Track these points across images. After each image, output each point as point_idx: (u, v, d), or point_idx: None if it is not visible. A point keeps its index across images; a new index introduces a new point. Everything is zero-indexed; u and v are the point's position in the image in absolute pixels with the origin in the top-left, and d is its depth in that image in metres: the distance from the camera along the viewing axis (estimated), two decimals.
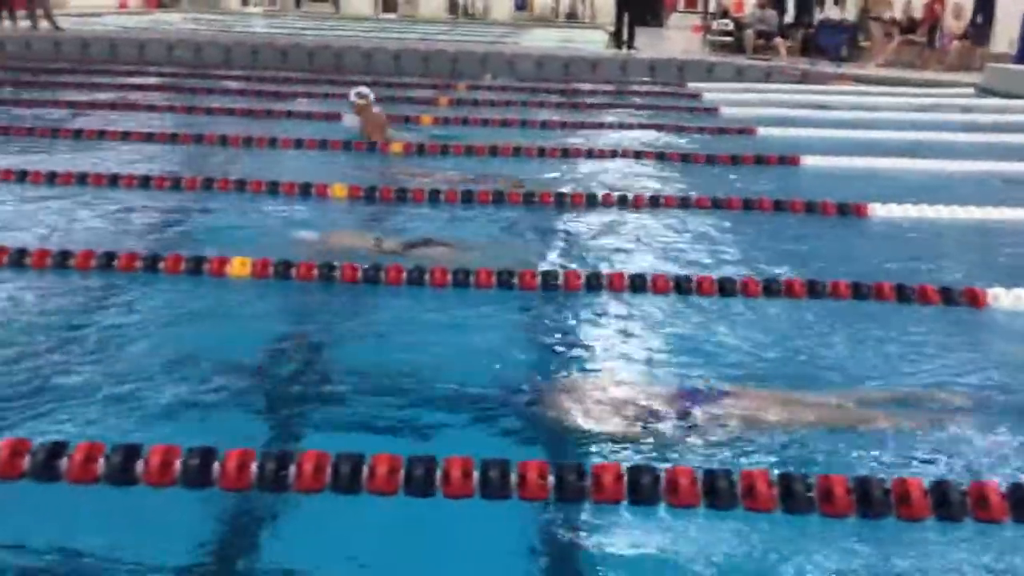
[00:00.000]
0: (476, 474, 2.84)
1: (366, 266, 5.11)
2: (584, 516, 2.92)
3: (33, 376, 3.78)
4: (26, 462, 2.87)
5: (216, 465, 2.85)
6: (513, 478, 2.85)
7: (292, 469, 2.87)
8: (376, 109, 9.10)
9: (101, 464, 2.84)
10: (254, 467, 2.87)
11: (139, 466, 2.84)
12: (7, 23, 18.08)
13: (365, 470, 2.85)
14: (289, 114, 10.71)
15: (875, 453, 3.38)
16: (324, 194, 6.99)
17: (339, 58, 16.37)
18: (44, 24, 17.81)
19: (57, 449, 2.89)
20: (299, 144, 8.78)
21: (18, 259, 5.07)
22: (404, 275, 5.05)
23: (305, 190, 7.00)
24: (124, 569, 2.70)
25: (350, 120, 9.31)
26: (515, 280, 5.07)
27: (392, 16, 35.84)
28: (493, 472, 2.83)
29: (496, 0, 37.25)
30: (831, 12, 20.09)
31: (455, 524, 2.89)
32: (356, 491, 2.83)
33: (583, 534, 2.88)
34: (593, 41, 21.25)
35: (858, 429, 3.60)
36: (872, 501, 2.85)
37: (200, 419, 3.54)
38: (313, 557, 2.77)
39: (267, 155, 8.60)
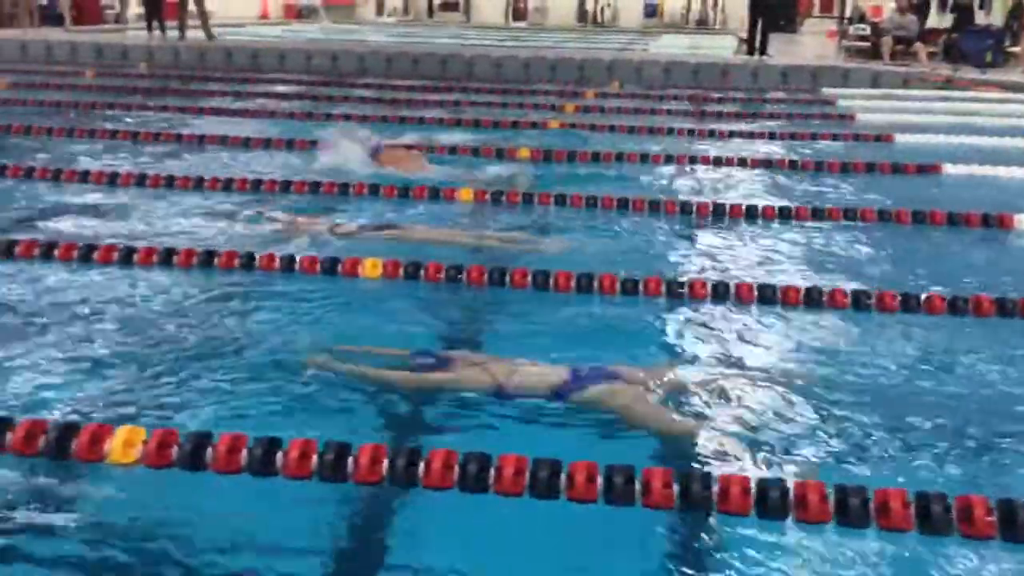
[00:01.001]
0: (600, 479, 2.86)
1: (490, 268, 5.20)
2: (708, 526, 2.90)
3: (180, 370, 3.98)
4: (174, 452, 3.02)
5: (350, 460, 2.95)
6: (637, 485, 2.85)
7: (421, 466, 2.94)
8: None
9: (244, 455, 2.98)
10: (385, 463, 2.95)
11: (278, 458, 2.96)
12: (157, 32, 19.03)
13: (492, 471, 2.90)
14: (421, 120, 10.93)
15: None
16: (452, 198, 7.13)
17: (470, 66, 16.62)
18: (193, 34, 18.66)
19: (202, 440, 3.04)
20: (430, 149, 8.97)
21: (167, 259, 5.33)
22: (529, 278, 5.11)
23: (434, 194, 7.15)
24: (261, 557, 2.82)
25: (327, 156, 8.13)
26: (640, 287, 5.07)
27: (522, 24, 36.16)
28: (618, 478, 2.84)
29: (625, 7, 37.14)
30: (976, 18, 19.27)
31: (576, 528, 2.91)
32: (483, 490, 2.88)
33: (707, 545, 2.86)
34: (724, 47, 20.94)
35: (1000, 447, 3.45)
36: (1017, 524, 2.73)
37: (335, 415, 3.66)
38: (437, 553, 2.83)
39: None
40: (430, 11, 39.17)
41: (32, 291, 4.91)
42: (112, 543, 2.83)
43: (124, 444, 3.04)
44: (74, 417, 3.43)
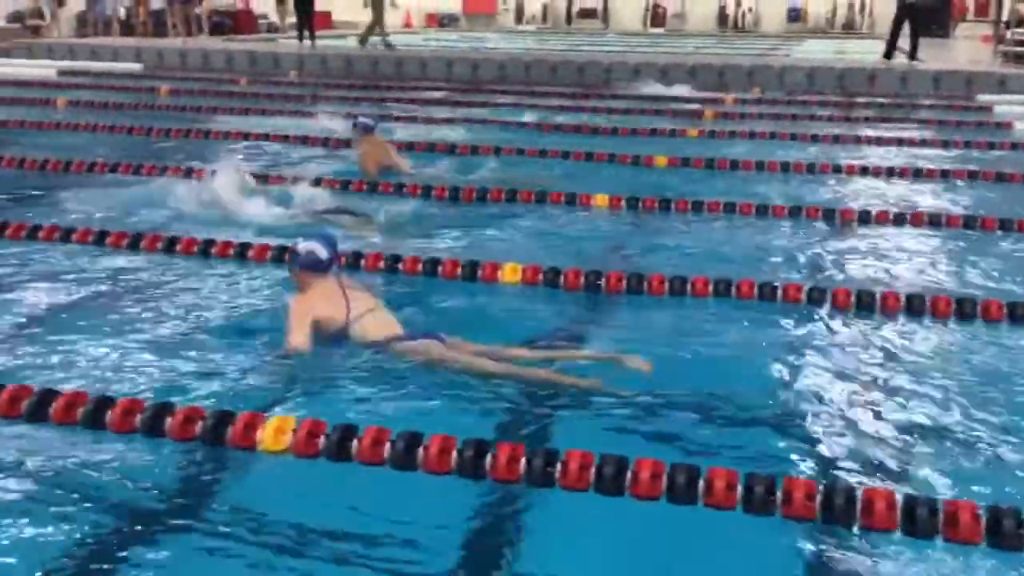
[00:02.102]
0: (740, 488, 2.82)
1: (629, 274, 5.19)
2: (851, 542, 2.82)
3: (329, 368, 4.13)
4: (321, 442, 3.15)
5: (488, 457, 3.00)
6: (779, 495, 2.80)
7: (558, 467, 2.97)
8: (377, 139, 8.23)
9: (387, 448, 3.07)
10: (523, 462, 2.99)
11: (420, 453, 3.04)
12: (307, 42, 19.77)
13: (628, 474, 2.91)
14: (558, 127, 11.01)
15: None
16: (588, 203, 7.15)
17: (608, 72, 16.61)
18: (376, 39, 19.31)
19: (348, 432, 3.16)
20: (566, 156, 9.02)
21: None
22: (666, 285, 5.08)
23: (571, 200, 7.19)
24: (397, 546, 2.88)
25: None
26: (779, 294, 4.98)
27: (660, 30, 35.89)
28: (758, 487, 2.80)
29: (767, 12, 36.41)
30: None
31: (712, 536, 2.88)
32: (619, 493, 2.89)
33: (847, 560, 2.79)
34: (871, 52, 20.25)
35: None
36: None
37: (474, 413, 3.72)
38: (570, 554, 2.85)
39: (534, 163, 8.89)
40: (568, 18, 39.32)
41: (195, 286, 5.16)
42: (257, 527, 2.94)
43: (275, 432, 3.18)
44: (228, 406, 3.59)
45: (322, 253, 4.23)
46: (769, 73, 16.14)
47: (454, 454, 3.03)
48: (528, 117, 11.87)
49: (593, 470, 2.93)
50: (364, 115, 8.88)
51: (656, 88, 14.97)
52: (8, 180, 7.73)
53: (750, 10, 36.98)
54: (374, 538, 2.90)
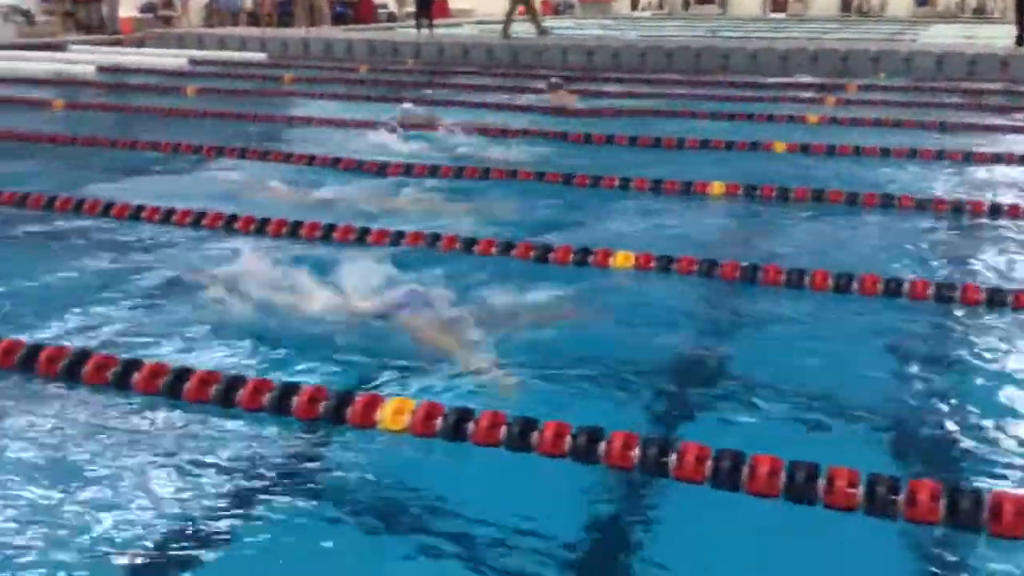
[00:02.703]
0: (861, 487, 2.76)
1: (744, 264, 5.11)
2: (979, 549, 2.73)
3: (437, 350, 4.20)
4: (438, 423, 3.21)
5: (603, 444, 3.02)
6: (901, 496, 2.73)
7: (673, 457, 2.96)
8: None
9: (503, 431, 3.12)
10: (637, 450, 3.00)
11: (534, 437, 3.07)
12: (425, 31, 20.03)
13: (745, 469, 2.88)
14: (674, 114, 10.88)
15: None
16: (703, 191, 7.07)
17: (726, 59, 16.32)
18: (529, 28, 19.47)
19: (465, 414, 3.21)
20: (680, 144, 8.91)
21: (432, 242, 5.60)
22: (783, 276, 4.99)
23: (686, 187, 7.11)
24: (508, 530, 2.92)
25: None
26: (904, 289, 4.82)
27: (781, 15, 35.05)
28: (880, 487, 2.73)
29: None
30: None
31: (831, 536, 2.83)
32: (735, 488, 2.86)
33: (974, 569, 2.70)
34: (1003, 38, 19.33)
35: None
36: None
37: (589, 399, 3.73)
38: (679, 546, 2.83)
39: (649, 154, 8.82)
40: (685, 4, 38.75)
41: (318, 268, 5.30)
42: (373, 505, 3.02)
43: (394, 412, 3.26)
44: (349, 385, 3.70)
45: None
46: (895, 59, 15.59)
47: (568, 439, 3.05)
48: (642, 104, 11.77)
49: (710, 463, 2.91)
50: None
51: (777, 75, 14.64)
52: (145, 162, 8.05)
53: None
54: (486, 520, 2.94)
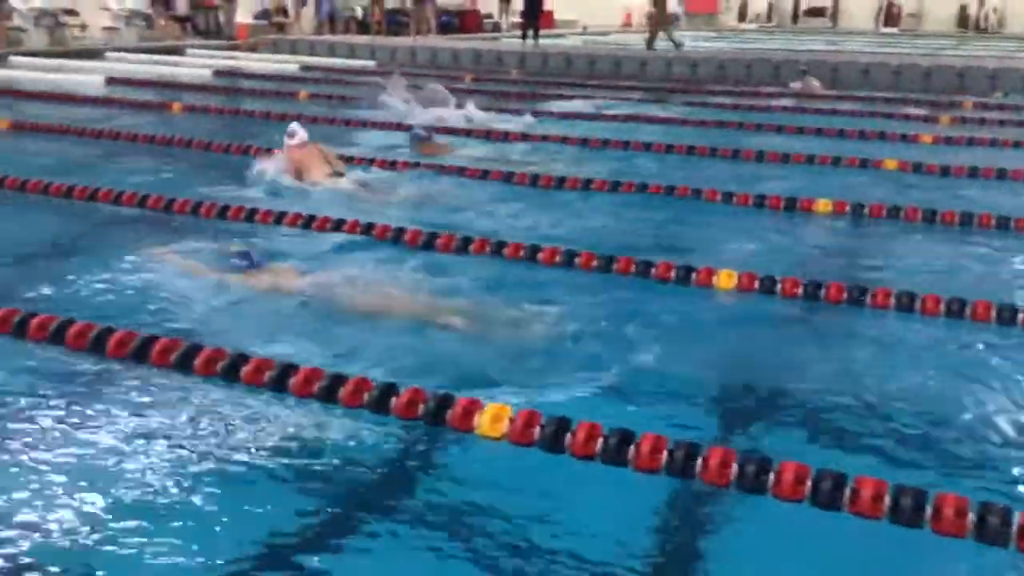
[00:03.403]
0: (971, 515, 2.67)
1: (851, 285, 5.00)
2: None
3: (533, 356, 4.23)
4: (536, 432, 3.23)
5: (699, 460, 2.99)
6: (1014, 528, 2.64)
7: (771, 476, 2.92)
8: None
9: (599, 443, 3.12)
10: (734, 467, 2.96)
11: (631, 451, 3.06)
12: (530, 40, 20.16)
13: (846, 491, 2.82)
14: (779, 129, 10.71)
15: None
16: (809, 208, 6.93)
17: (835, 72, 15.99)
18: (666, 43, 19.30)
19: (563, 424, 3.22)
20: (785, 159, 8.77)
21: (532, 254, 5.62)
22: (892, 299, 4.85)
23: (790, 204, 6.99)
24: (598, 542, 2.91)
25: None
26: (1020, 318, 4.64)
27: (893, 30, 34.13)
28: (992, 517, 2.64)
29: (1015, 12, 33.85)
30: None
31: (933, 561, 2.75)
32: (836, 508, 2.80)
33: None
34: None
35: None
36: None
37: (682, 415, 3.71)
38: (776, 564, 2.79)
39: (750, 168, 8.70)
40: (794, 17, 38.08)
41: (422, 271, 5.38)
42: (467, 508, 3.05)
43: (492, 419, 3.29)
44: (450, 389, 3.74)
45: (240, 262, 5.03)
46: (1014, 76, 15.03)
47: (665, 454, 3.04)
48: (746, 118, 11.61)
49: (809, 483, 2.86)
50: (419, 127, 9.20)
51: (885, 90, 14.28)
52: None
53: (995, 10, 34.49)
54: (577, 528, 2.94)
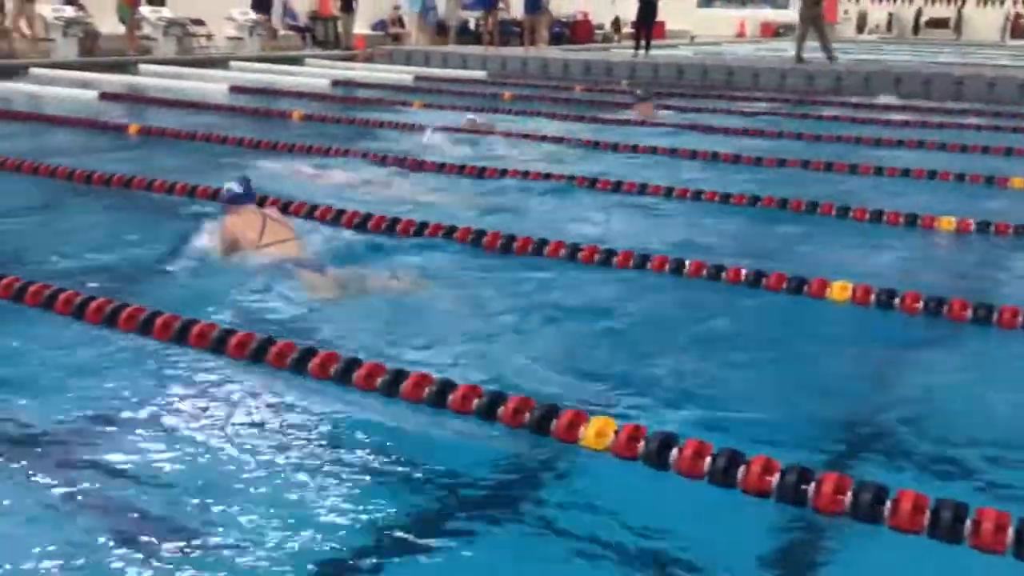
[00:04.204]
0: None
1: (975, 303, 4.81)
2: None
3: (656, 369, 4.19)
4: (641, 447, 3.20)
5: (811, 486, 2.91)
6: None
7: (888, 505, 2.82)
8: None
9: (706, 462, 3.06)
10: (849, 495, 2.87)
11: (740, 471, 3.00)
12: (642, 52, 20.06)
13: (967, 523, 2.70)
14: (899, 143, 10.40)
15: None
16: (931, 225, 6.70)
17: (959, 85, 15.43)
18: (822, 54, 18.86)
19: (668, 440, 3.18)
20: (906, 173, 8.51)
21: (641, 263, 5.57)
22: (1020, 318, 4.65)
23: (911, 220, 6.77)
24: (703, 562, 2.86)
25: None
26: None
27: (1021, 42, 32.76)
28: None
29: None
30: None
31: None
32: (956, 541, 2.69)
33: None
34: None
35: None
36: None
37: (791, 435, 3.62)
38: None
39: (872, 182, 8.47)
40: (915, 28, 36.92)
41: (541, 286, 5.41)
42: (567, 518, 3.03)
43: (597, 433, 3.28)
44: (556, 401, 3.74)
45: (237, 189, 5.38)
46: None
47: (776, 477, 2.97)
48: (863, 131, 11.30)
49: (928, 514, 2.75)
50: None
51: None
52: (379, 174, 8.44)
53: None
54: (681, 548, 2.90)
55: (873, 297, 4.98)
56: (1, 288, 4.62)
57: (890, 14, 38.22)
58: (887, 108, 13.56)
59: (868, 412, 3.88)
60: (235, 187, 5.42)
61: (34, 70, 16.39)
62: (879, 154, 9.67)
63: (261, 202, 5.81)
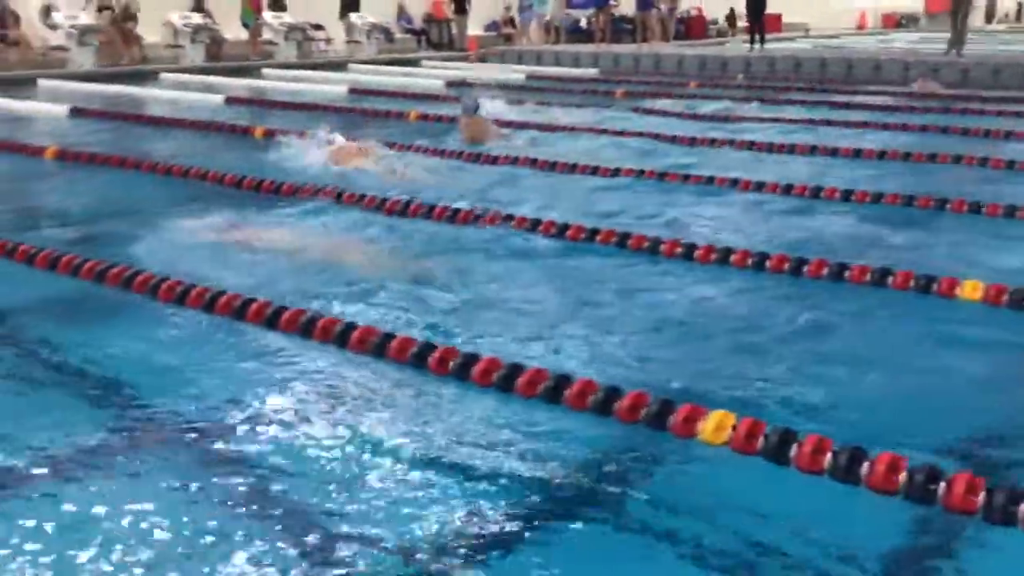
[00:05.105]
0: None
1: None
2: None
3: (773, 363, 4.14)
4: (760, 442, 3.16)
5: (942, 484, 2.83)
6: None
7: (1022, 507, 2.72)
8: None
9: (827, 459, 3.01)
10: (982, 496, 2.78)
11: (864, 467, 2.94)
12: (757, 45, 19.71)
13: None
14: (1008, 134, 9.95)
15: None
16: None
17: None
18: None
19: (787, 436, 3.14)
20: (1012, 163, 8.15)
21: (759, 263, 5.48)
22: None
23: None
24: (822, 560, 2.80)
25: None
26: None
27: None
28: None
29: None
30: None
31: None
32: None
33: None
34: None
35: None
36: None
37: (910, 436, 3.50)
38: None
39: (1001, 175, 8.12)
40: None
41: (653, 282, 5.40)
42: (684, 517, 3.00)
43: (715, 427, 3.25)
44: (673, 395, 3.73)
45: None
46: None
47: (903, 475, 2.89)
48: (993, 125, 10.83)
49: None
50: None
51: None
52: (480, 174, 8.57)
53: None
54: (797, 545, 2.85)
55: (1007, 296, 4.79)
56: (137, 284, 4.87)
57: (1020, 3, 36.52)
58: (1018, 100, 12.97)
59: (999, 415, 3.74)
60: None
61: (164, 75, 17.14)
62: (1014, 147, 9.25)
63: None
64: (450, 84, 16.39)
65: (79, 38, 17.45)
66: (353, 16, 22.12)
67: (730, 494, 3.12)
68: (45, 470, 3.18)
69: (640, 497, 3.12)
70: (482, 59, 21.54)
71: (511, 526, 2.91)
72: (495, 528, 2.89)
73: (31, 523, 2.84)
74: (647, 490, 3.16)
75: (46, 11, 18.00)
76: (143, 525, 2.84)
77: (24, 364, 4.20)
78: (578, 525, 2.95)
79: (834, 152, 9.15)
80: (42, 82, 15.82)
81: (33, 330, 4.63)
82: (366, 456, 3.31)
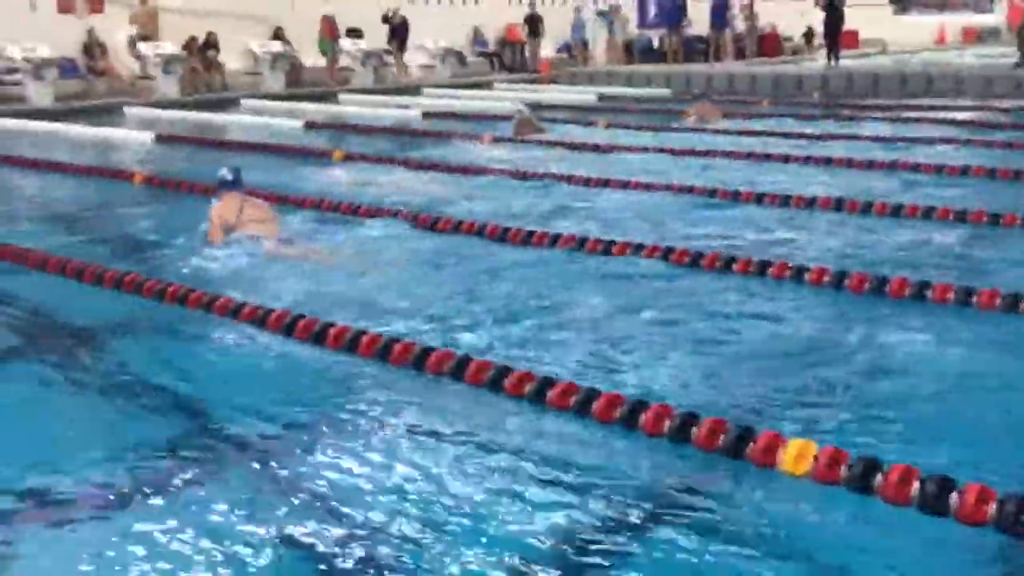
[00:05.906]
0: None
1: None
2: None
3: (839, 389, 4.06)
4: (842, 472, 3.10)
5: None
6: None
7: None
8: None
9: (914, 488, 2.94)
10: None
11: (953, 498, 2.86)
12: (834, 62, 19.43)
13: None
14: None
15: None
16: None
17: None
18: None
19: (872, 465, 3.07)
20: None
21: (837, 281, 5.38)
22: None
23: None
24: None
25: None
26: None
27: None
28: None
29: None
30: None
31: None
32: None
33: None
34: None
35: None
36: None
37: (995, 464, 3.39)
38: None
39: None
40: None
41: (701, 298, 5.36)
42: (765, 549, 2.94)
43: (796, 456, 3.20)
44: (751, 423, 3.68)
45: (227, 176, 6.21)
46: None
47: (992, 505, 2.81)
48: None
49: None
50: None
51: None
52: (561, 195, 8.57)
53: None
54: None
55: None
56: (218, 307, 5.02)
57: None
58: None
59: None
60: (226, 175, 6.31)
61: (245, 102, 17.58)
62: None
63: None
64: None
65: (164, 67, 18.01)
66: (427, 41, 22.38)
67: (811, 524, 3.07)
68: (130, 484, 3.28)
69: (717, 525, 3.09)
70: (554, 81, 21.61)
71: (584, 556, 2.89)
72: (571, 554, 2.88)
73: (125, 531, 2.93)
74: (724, 517, 3.13)
75: (132, 42, 18.63)
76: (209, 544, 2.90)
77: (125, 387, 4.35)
78: (653, 554, 2.92)
79: (916, 168, 9.00)
80: (129, 110, 16.35)
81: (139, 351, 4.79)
82: (439, 481, 3.33)
